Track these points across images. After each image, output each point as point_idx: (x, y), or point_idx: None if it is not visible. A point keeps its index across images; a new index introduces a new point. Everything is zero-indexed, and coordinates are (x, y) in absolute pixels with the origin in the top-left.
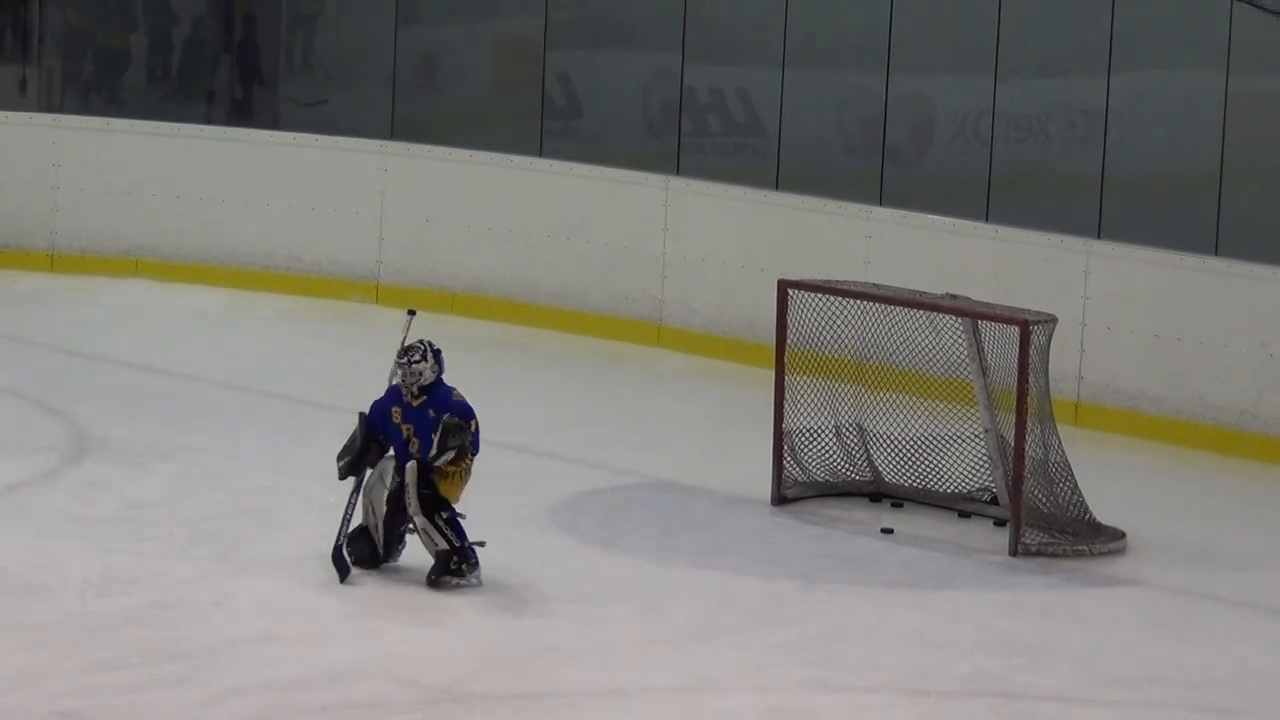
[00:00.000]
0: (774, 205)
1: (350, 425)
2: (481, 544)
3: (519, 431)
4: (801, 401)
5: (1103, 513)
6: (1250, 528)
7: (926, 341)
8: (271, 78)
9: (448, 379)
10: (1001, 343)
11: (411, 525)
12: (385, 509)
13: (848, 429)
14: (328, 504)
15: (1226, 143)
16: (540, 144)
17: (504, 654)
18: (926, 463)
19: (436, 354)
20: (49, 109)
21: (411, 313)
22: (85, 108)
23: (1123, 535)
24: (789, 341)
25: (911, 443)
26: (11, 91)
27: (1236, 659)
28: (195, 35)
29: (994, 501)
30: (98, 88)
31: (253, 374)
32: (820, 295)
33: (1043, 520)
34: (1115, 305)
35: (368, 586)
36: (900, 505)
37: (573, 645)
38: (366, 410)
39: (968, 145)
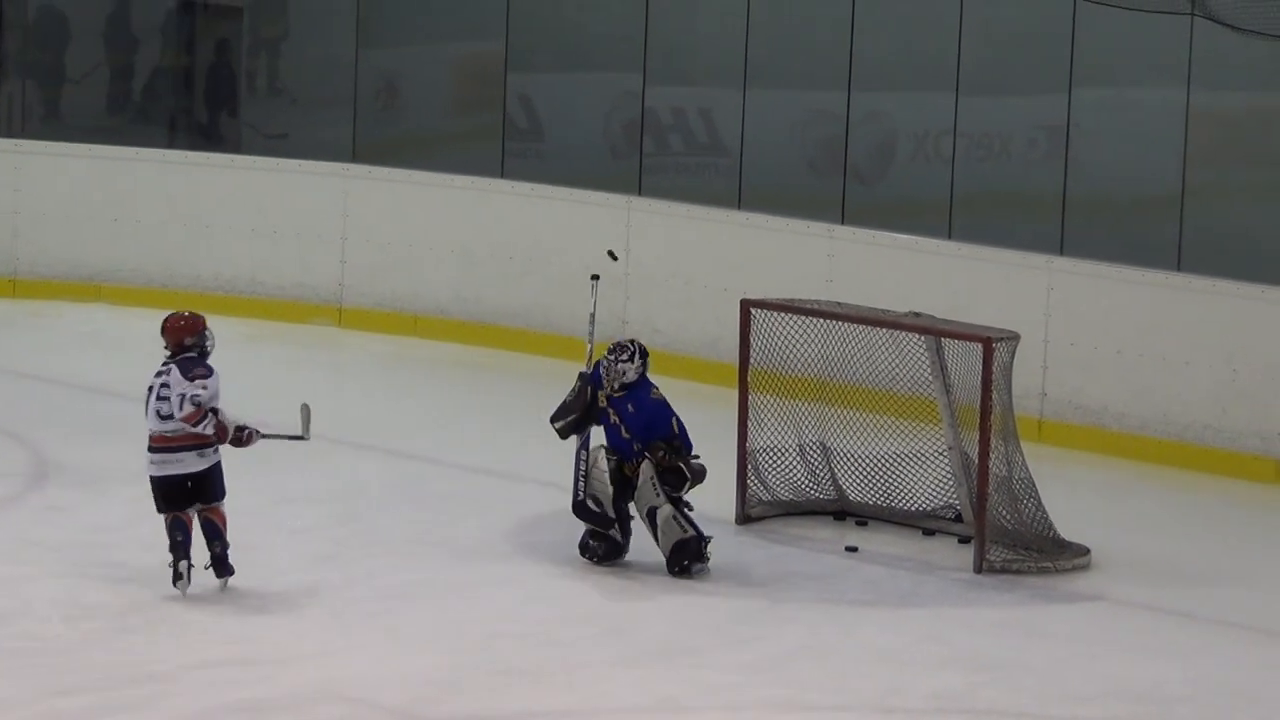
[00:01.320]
0: (736, 224)
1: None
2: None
3: (481, 453)
4: (765, 420)
5: (1067, 529)
6: (1214, 543)
7: (889, 360)
8: (234, 102)
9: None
10: (964, 360)
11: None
12: (611, 489)
13: (811, 448)
14: (292, 527)
15: (1188, 159)
16: (502, 166)
17: (466, 675)
18: (890, 481)
19: (645, 355)
20: (10, 134)
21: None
22: (47, 132)
23: (1087, 551)
24: (752, 360)
25: (875, 461)
26: None
27: (1200, 675)
28: (158, 60)
29: (958, 519)
30: (59, 112)
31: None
32: (783, 314)
33: (1007, 537)
34: (1078, 322)
35: (328, 608)
36: (865, 523)
37: (537, 666)
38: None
39: (929, 163)
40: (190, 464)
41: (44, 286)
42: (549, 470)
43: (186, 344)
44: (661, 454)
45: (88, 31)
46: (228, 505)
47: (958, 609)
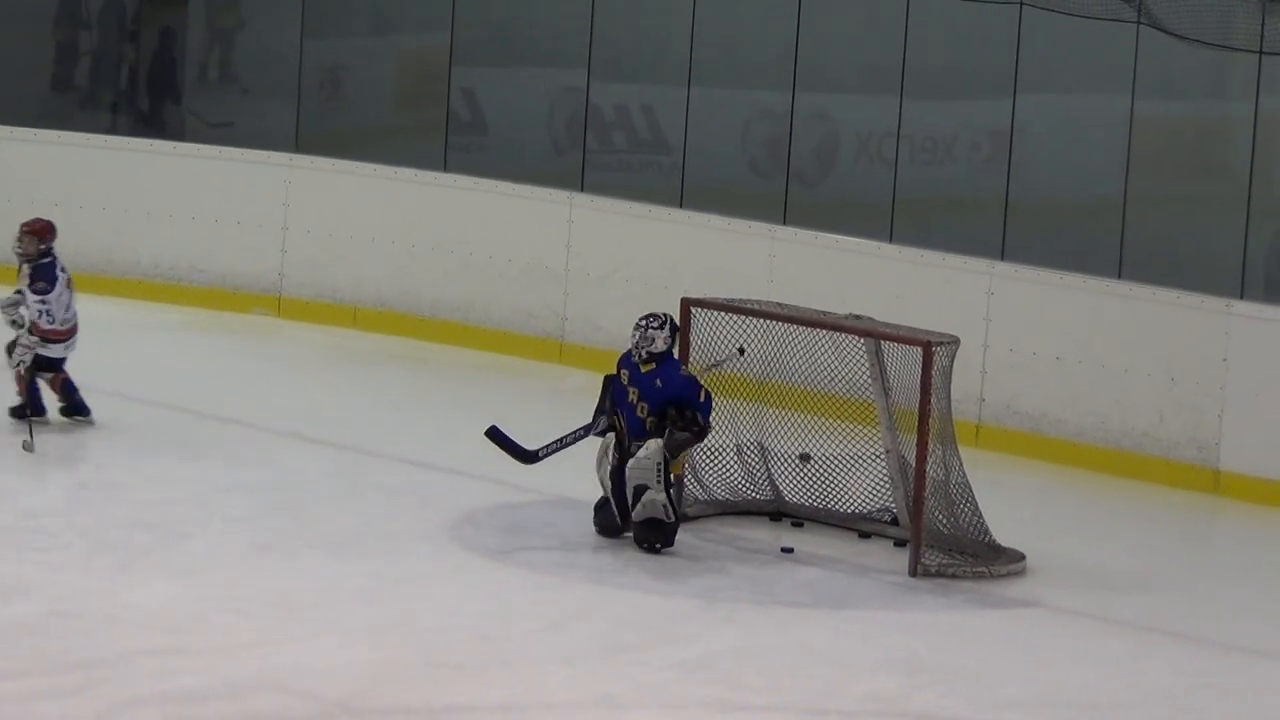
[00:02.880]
0: (678, 223)
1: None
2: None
3: (419, 446)
4: None
5: (1003, 534)
6: (1149, 551)
7: (829, 361)
8: (177, 89)
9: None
10: (904, 363)
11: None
12: (611, 483)
13: (749, 448)
14: (229, 516)
15: (1131, 166)
16: (445, 159)
17: (403, 668)
18: (827, 483)
19: (675, 330)
20: None
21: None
22: None
23: (1022, 557)
24: (691, 359)
25: (812, 463)
26: None
27: (1134, 680)
28: (102, 45)
29: (894, 522)
30: (1, 96)
31: (154, 386)
32: (724, 314)
33: (943, 541)
34: (1018, 327)
35: (266, 598)
36: (801, 525)
37: (473, 660)
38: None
39: (872, 165)
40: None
41: None
42: (489, 464)
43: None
44: (674, 415)
45: (32, 16)
46: (167, 494)
47: (893, 612)
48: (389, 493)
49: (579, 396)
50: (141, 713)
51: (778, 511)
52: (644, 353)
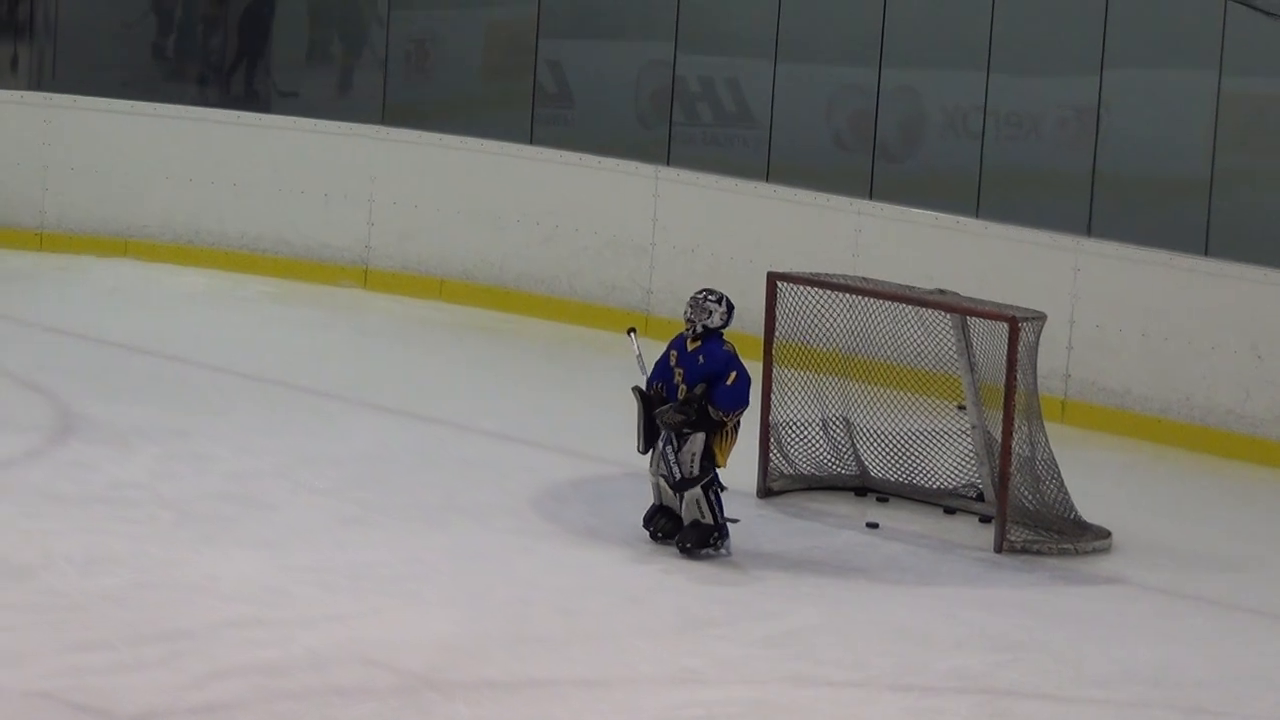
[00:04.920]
0: (764, 197)
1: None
2: (735, 520)
3: (504, 419)
4: (789, 395)
5: (1088, 511)
6: (1234, 528)
7: (914, 336)
8: (265, 60)
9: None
10: (990, 339)
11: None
12: (670, 491)
13: (834, 423)
14: (314, 488)
15: (1218, 143)
16: (531, 132)
17: (485, 642)
18: (913, 458)
19: (731, 310)
20: (40, 88)
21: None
22: (77, 87)
23: (1108, 534)
24: (777, 334)
25: (898, 438)
26: (3, 69)
27: (1219, 659)
28: (189, 16)
29: (979, 498)
30: (90, 67)
31: (240, 357)
32: (809, 288)
33: (1028, 517)
34: (1104, 303)
35: (349, 570)
36: (886, 500)
37: (555, 635)
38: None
39: (958, 140)
40: None
41: (71, 241)
42: (572, 438)
43: None
44: (691, 393)
45: None
46: (253, 465)
47: (977, 588)
48: (472, 465)
49: None
50: (225, 684)
51: (863, 487)
52: (698, 326)
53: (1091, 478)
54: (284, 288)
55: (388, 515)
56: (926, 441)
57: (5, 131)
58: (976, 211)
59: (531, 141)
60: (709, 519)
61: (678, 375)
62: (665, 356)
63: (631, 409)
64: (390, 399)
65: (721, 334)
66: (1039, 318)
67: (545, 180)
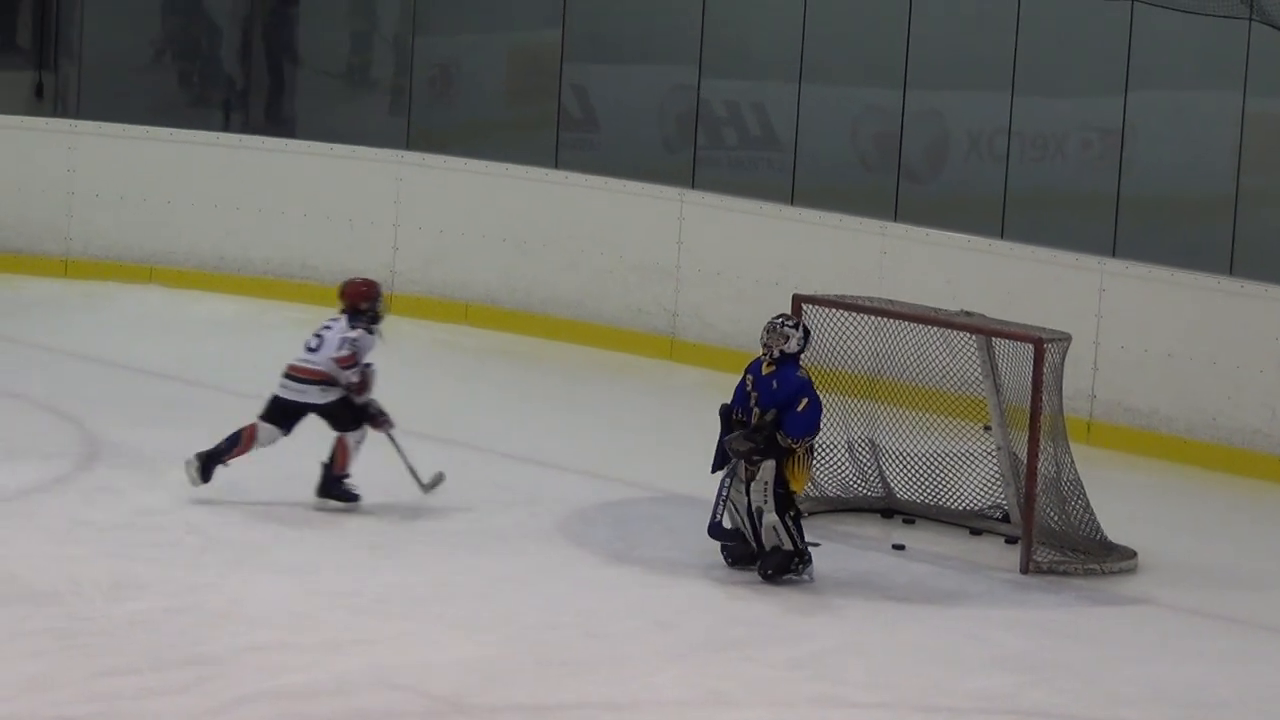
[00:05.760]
0: (789, 220)
1: None
2: (816, 544)
3: (530, 443)
4: None
5: (1114, 531)
6: (1261, 548)
7: (940, 358)
8: (289, 86)
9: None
10: (1015, 360)
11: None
12: (743, 514)
13: (860, 445)
14: (339, 512)
15: (1243, 162)
16: (555, 156)
17: (512, 665)
18: (939, 479)
19: (808, 336)
20: (65, 114)
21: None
22: (102, 113)
23: (1134, 554)
24: (803, 357)
25: (924, 459)
26: (28, 97)
27: (1246, 680)
28: (213, 43)
29: (1005, 519)
30: (114, 94)
31: (266, 383)
32: (835, 310)
33: (1054, 538)
34: (1129, 324)
35: (375, 595)
36: (912, 521)
37: (582, 657)
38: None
39: (983, 162)
40: (311, 396)
41: (97, 267)
42: (597, 461)
43: (361, 307)
44: (761, 419)
45: (146, 13)
46: (279, 490)
47: (1003, 609)
48: (499, 489)
49: (689, 393)
50: (252, 709)
51: (889, 509)
52: (776, 351)
53: (1117, 498)
54: (310, 314)
55: (414, 540)
56: (952, 463)
57: (30, 159)
58: (1001, 232)
59: (556, 166)
60: (789, 545)
61: (753, 399)
62: (742, 382)
63: (661, 433)
64: (416, 423)
65: (797, 360)
66: (1064, 339)
67: (570, 204)
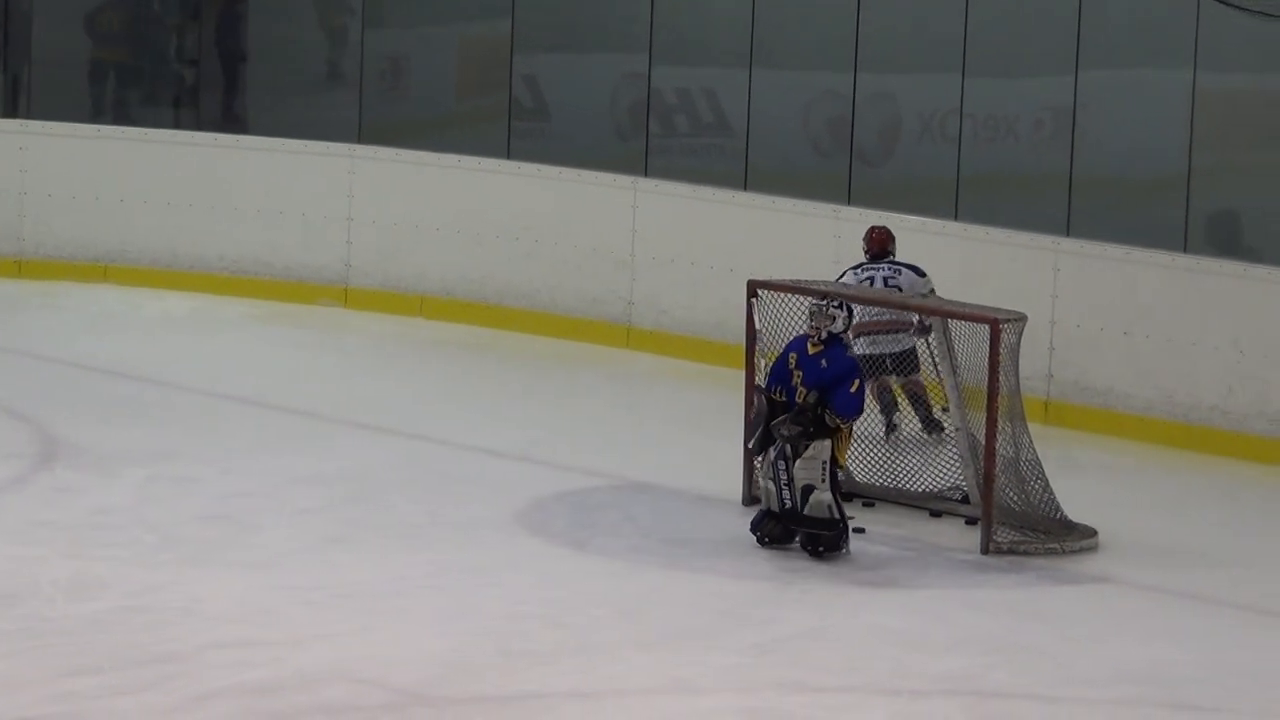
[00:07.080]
0: (742, 205)
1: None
2: (853, 519)
3: (487, 434)
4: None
5: (1074, 510)
6: (1220, 524)
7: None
8: (239, 82)
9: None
10: (971, 341)
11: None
12: (772, 474)
13: None
14: (299, 508)
15: (1195, 140)
16: (508, 146)
17: (475, 657)
18: (898, 462)
19: (851, 316)
20: (15, 114)
21: None
22: (52, 113)
23: (1094, 533)
24: (759, 340)
25: (882, 442)
26: None
27: (1208, 655)
28: (163, 40)
29: (965, 500)
30: (65, 93)
31: (223, 379)
32: (789, 295)
33: (1014, 518)
34: (1085, 303)
35: (337, 589)
36: (872, 504)
37: (545, 648)
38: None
39: (935, 144)
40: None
41: (50, 267)
42: (556, 451)
43: (890, 250)
44: (807, 397)
45: (95, 12)
46: (237, 487)
47: (965, 590)
48: (458, 481)
49: (646, 380)
50: (215, 705)
51: (849, 492)
52: (823, 333)
53: (1076, 477)
54: (265, 309)
55: (374, 533)
56: (911, 445)
57: None
58: (955, 214)
59: (509, 156)
60: (837, 517)
61: (796, 378)
62: (784, 359)
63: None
64: (374, 417)
65: (842, 339)
66: (1020, 319)
67: (523, 194)
